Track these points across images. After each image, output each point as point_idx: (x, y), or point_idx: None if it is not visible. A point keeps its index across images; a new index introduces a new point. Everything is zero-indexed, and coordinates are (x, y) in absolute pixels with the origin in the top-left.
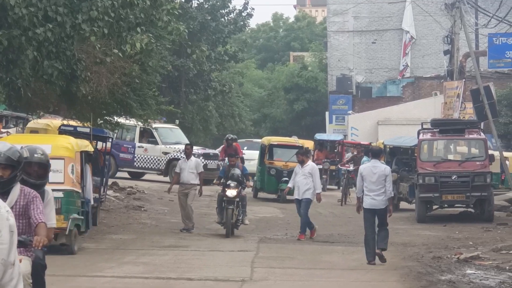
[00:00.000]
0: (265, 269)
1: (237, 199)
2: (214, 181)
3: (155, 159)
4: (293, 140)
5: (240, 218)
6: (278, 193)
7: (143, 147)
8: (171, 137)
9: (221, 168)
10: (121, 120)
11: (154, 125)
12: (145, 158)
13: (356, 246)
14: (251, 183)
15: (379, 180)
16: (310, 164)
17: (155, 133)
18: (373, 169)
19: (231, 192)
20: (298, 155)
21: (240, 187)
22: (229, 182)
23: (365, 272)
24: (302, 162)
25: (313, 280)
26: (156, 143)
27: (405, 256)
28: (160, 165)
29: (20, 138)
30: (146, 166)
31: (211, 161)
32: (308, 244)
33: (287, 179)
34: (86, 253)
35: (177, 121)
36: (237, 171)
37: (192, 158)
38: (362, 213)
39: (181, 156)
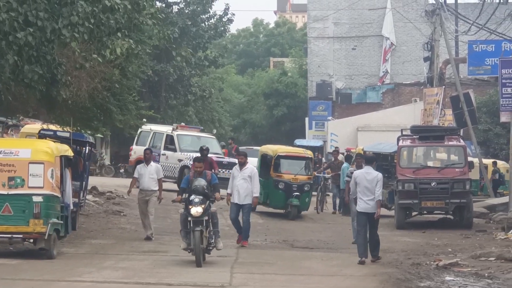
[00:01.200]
0: (245, 275)
1: (205, 218)
2: (174, 199)
3: (171, 166)
4: (302, 150)
5: (212, 241)
6: (288, 208)
7: (165, 154)
8: (194, 145)
9: (183, 178)
10: (154, 126)
11: (184, 133)
12: (165, 166)
13: (335, 252)
14: (220, 195)
15: (372, 186)
16: (249, 166)
17: (175, 140)
18: (367, 175)
19: (196, 210)
20: (241, 156)
21: (208, 202)
22: (192, 197)
23: (344, 278)
24: (242, 164)
25: (293, 286)
26: (175, 150)
27: (384, 262)
28: (175, 173)
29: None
30: (165, 174)
31: (225, 170)
32: (287, 250)
33: (298, 193)
34: (65, 258)
35: (214, 131)
36: (201, 182)
37: (152, 163)
38: (341, 218)
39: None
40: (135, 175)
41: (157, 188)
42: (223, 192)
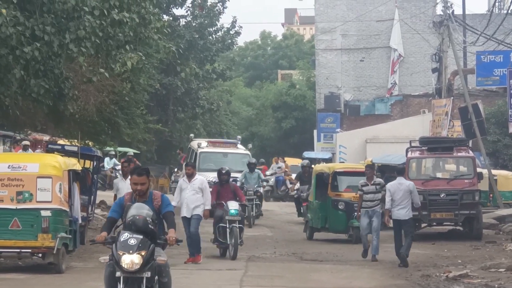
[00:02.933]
0: None
1: (146, 274)
2: (94, 238)
3: None
4: (361, 165)
5: None
6: (350, 231)
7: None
8: (220, 164)
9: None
10: (196, 142)
11: (209, 150)
12: None
13: (344, 265)
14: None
15: (405, 195)
16: (199, 178)
17: (197, 158)
18: (399, 186)
19: (130, 259)
20: (188, 167)
21: (152, 246)
22: (125, 236)
23: None
24: (190, 176)
25: None
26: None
27: (394, 274)
28: None
29: (7, 156)
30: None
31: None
32: (296, 262)
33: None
34: (73, 272)
35: (249, 145)
36: (143, 210)
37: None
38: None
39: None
40: (114, 191)
41: None
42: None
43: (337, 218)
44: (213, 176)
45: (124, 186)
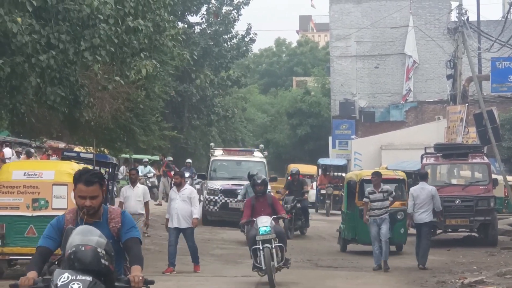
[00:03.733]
0: None
1: None
2: (20, 280)
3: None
4: (391, 172)
5: None
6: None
7: (199, 183)
8: (233, 172)
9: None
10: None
11: (222, 157)
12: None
13: (360, 271)
14: (141, 275)
15: (427, 199)
16: (188, 187)
17: (210, 165)
18: (422, 190)
19: None
20: (176, 176)
21: None
22: (64, 278)
23: None
24: (178, 185)
25: None
26: (208, 178)
27: (409, 280)
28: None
29: (22, 164)
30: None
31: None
32: (312, 269)
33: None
34: None
35: (265, 153)
36: (93, 238)
37: (139, 185)
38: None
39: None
40: (120, 198)
41: (143, 211)
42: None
43: (365, 229)
44: (221, 184)
45: (132, 193)
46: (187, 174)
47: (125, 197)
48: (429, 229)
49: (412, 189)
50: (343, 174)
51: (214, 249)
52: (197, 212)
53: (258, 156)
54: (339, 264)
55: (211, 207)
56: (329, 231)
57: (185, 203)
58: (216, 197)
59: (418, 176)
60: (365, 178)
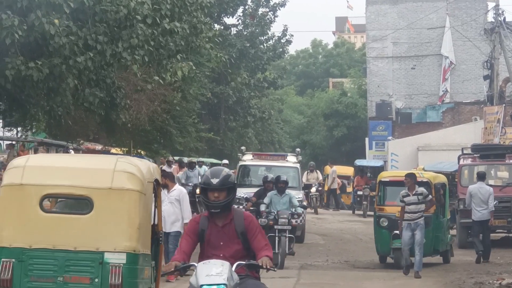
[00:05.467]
0: None
1: None
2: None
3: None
4: (416, 173)
5: None
6: (391, 254)
7: None
8: (261, 178)
9: None
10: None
11: (251, 163)
12: None
13: (397, 272)
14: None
15: (485, 198)
16: (177, 188)
17: (237, 171)
18: (480, 190)
19: None
20: (163, 178)
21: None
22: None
23: None
24: (166, 187)
25: None
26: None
27: (447, 281)
28: None
29: None
30: None
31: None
32: (349, 270)
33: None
34: None
35: (298, 149)
36: None
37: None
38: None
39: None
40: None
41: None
42: None
43: (380, 237)
44: (245, 192)
45: (165, 197)
46: None
47: None
48: (489, 226)
49: (470, 188)
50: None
51: None
52: (187, 216)
53: (291, 161)
54: (376, 265)
55: None
56: (366, 231)
57: (172, 206)
58: (241, 207)
59: (477, 176)
60: (383, 180)
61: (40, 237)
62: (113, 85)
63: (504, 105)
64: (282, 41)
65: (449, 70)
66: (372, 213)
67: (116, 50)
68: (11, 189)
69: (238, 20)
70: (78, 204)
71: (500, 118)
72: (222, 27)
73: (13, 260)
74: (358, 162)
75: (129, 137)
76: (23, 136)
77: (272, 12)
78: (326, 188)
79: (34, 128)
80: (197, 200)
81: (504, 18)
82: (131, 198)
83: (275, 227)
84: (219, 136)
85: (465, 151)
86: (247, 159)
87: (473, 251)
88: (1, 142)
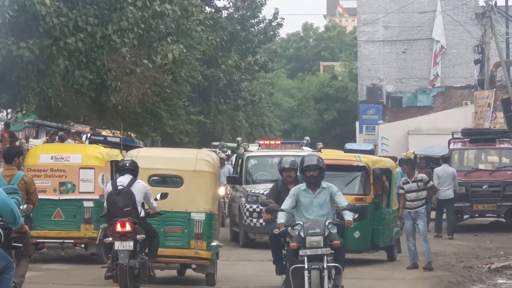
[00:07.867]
0: None
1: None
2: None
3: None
4: (351, 156)
5: None
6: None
7: (230, 189)
8: (275, 172)
9: None
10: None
11: (259, 153)
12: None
13: (385, 258)
14: None
15: (448, 179)
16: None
17: (244, 164)
18: (446, 171)
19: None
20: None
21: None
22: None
23: (396, 281)
24: None
25: None
26: (240, 182)
27: (436, 265)
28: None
29: (50, 147)
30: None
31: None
32: None
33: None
34: None
35: (307, 137)
36: None
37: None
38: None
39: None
40: None
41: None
42: None
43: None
44: (265, 188)
45: None
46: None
47: None
48: (453, 204)
49: (436, 170)
50: None
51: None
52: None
53: (308, 151)
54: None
55: (254, 220)
56: None
57: None
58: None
59: (441, 159)
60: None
61: None
62: (103, 67)
63: (494, 89)
64: (273, 24)
65: (440, 54)
66: None
67: (106, 33)
68: None
69: (229, 3)
70: (172, 181)
71: (491, 103)
72: (213, 10)
73: None
74: (348, 145)
75: (119, 119)
76: (13, 118)
77: None
78: None
79: (24, 110)
80: None
81: (495, 3)
82: (207, 177)
83: (300, 252)
84: (209, 119)
85: (455, 136)
86: (254, 149)
87: (463, 235)
88: None
